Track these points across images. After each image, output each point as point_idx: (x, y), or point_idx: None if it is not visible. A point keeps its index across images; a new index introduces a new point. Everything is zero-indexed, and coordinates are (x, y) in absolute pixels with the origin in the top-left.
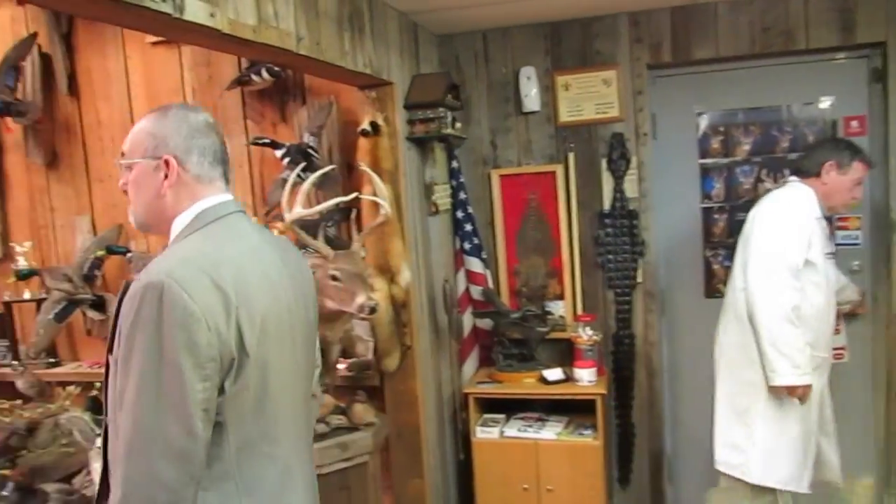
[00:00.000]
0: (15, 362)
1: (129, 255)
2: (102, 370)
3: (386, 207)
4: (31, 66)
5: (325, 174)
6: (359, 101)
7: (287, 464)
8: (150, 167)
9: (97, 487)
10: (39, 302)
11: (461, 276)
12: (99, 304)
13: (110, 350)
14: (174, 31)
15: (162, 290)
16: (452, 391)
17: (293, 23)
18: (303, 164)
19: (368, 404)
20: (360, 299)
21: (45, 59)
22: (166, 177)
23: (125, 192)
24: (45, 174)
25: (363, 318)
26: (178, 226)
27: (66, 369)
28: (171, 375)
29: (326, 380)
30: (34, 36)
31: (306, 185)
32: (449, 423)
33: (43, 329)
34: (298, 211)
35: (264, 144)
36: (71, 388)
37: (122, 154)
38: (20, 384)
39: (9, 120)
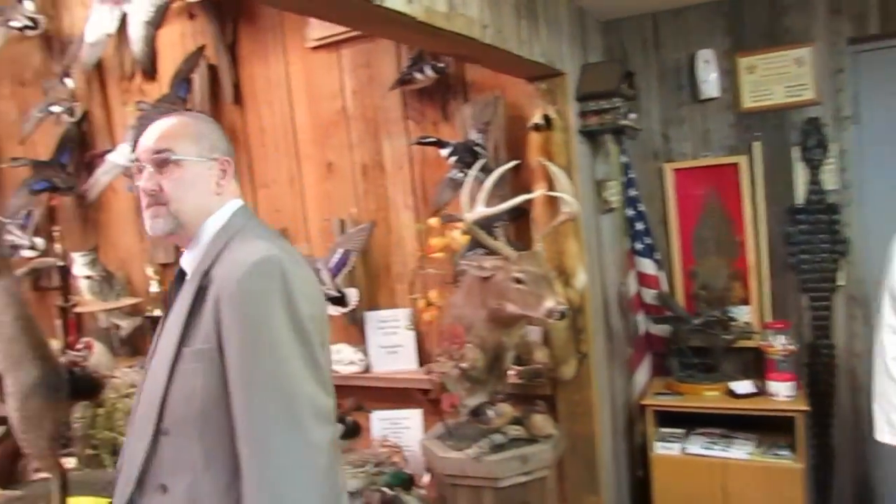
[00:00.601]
0: None
1: None
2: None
3: (572, 204)
4: (199, 77)
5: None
6: (526, 95)
7: None
8: (205, 166)
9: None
10: None
11: (632, 278)
12: None
13: (184, 343)
14: (371, 19)
15: (282, 262)
16: (625, 402)
17: (477, 10)
18: (482, 162)
19: (548, 415)
20: (549, 303)
21: (212, 70)
22: (221, 176)
23: (153, 192)
24: None
25: (550, 324)
26: (212, 226)
27: None
28: (305, 342)
29: (499, 387)
30: (202, 49)
31: (489, 182)
32: (622, 436)
33: None
34: (481, 210)
35: (430, 143)
36: None
37: (160, 151)
38: None
39: None
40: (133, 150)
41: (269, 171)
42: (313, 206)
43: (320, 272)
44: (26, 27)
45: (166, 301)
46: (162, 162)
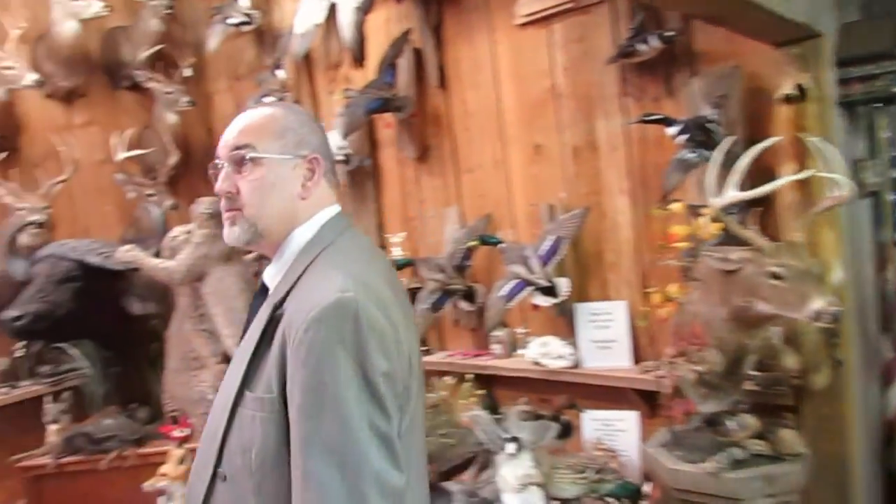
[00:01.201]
0: None
1: (501, 245)
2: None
3: (845, 186)
4: (405, 62)
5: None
6: (770, 63)
7: None
8: (288, 165)
9: None
10: (411, 291)
11: (892, 273)
12: (469, 295)
13: (246, 385)
14: None
15: (357, 308)
16: (879, 418)
17: None
18: (730, 140)
19: (798, 431)
20: (817, 304)
21: (416, 54)
22: (307, 177)
23: (230, 194)
24: (415, 167)
25: (819, 327)
26: (299, 238)
27: (436, 358)
28: (377, 405)
29: (737, 395)
30: (408, 32)
31: (743, 162)
32: (877, 458)
33: (421, 318)
34: (732, 194)
35: (655, 121)
36: (447, 379)
37: (238, 147)
38: None
39: (387, 116)
40: (343, 139)
41: (473, 156)
42: (519, 190)
43: (529, 260)
44: (242, 23)
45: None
46: (240, 160)
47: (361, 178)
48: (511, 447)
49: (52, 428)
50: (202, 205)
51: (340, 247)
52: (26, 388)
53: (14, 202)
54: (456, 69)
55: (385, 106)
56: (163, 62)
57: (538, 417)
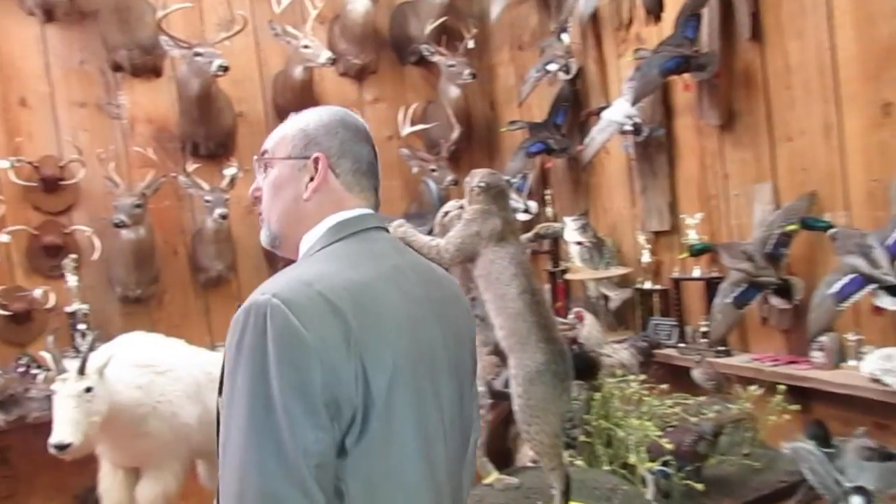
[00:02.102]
0: (682, 344)
1: (831, 231)
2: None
3: None
4: (710, 11)
5: None
6: None
7: None
8: (294, 167)
9: None
10: (707, 281)
11: None
12: (784, 290)
13: (220, 392)
14: None
15: (267, 313)
16: None
17: None
18: None
19: None
20: None
21: (724, 2)
22: (312, 179)
23: (256, 199)
24: (717, 136)
25: None
26: (308, 240)
27: (737, 361)
28: (281, 422)
29: None
30: None
31: None
32: None
33: (721, 314)
34: None
35: None
36: (752, 388)
37: (263, 152)
38: (697, 375)
39: (687, 77)
40: (632, 105)
41: (793, 121)
42: (858, 162)
43: (872, 251)
44: None
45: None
46: (262, 163)
47: (652, 150)
48: (857, 501)
49: None
50: (475, 177)
51: (330, 250)
52: None
53: None
54: (775, 16)
55: (684, 65)
56: (447, 35)
57: (888, 458)
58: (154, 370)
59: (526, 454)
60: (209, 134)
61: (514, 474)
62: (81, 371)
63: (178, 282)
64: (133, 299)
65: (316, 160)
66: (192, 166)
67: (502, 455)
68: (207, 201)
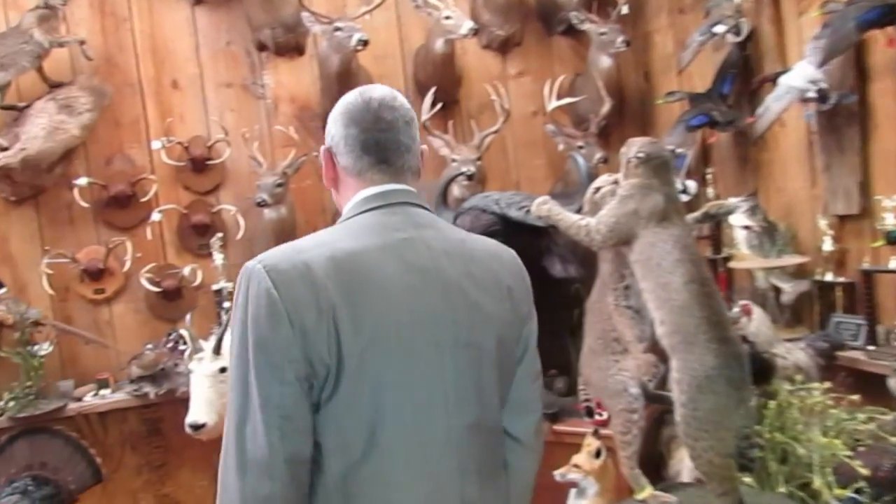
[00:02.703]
0: (872, 347)
1: None
2: None
3: None
4: None
5: None
6: None
7: None
8: (323, 158)
9: None
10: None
11: None
12: None
13: None
14: None
15: (250, 276)
16: None
17: None
18: None
19: None
20: None
21: None
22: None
23: None
24: None
25: None
26: (342, 216)
27: None
28: (251, 372)
29: None
30: None
31: None
32: None
33: None
34: None
35: None
36: None
37: None
38: (895, 384)
39: (891, 31)
40: (818, 68)
41: None
42: None
43: None
44: None
45: None
46: None
47: (841, 120)
48: None
49: None
50: (633, 147)
51: (344, 224)
52: None
53: (449, 154)
54: None
55: (889, 15)
56: (598, 2)
57: None
58: None
59: (681, 460)
60: None
61: (672, 491)
62: (217, 351)
63: None
64: None
65: (325, 151)
66: None
67: (653, 461)
68: None
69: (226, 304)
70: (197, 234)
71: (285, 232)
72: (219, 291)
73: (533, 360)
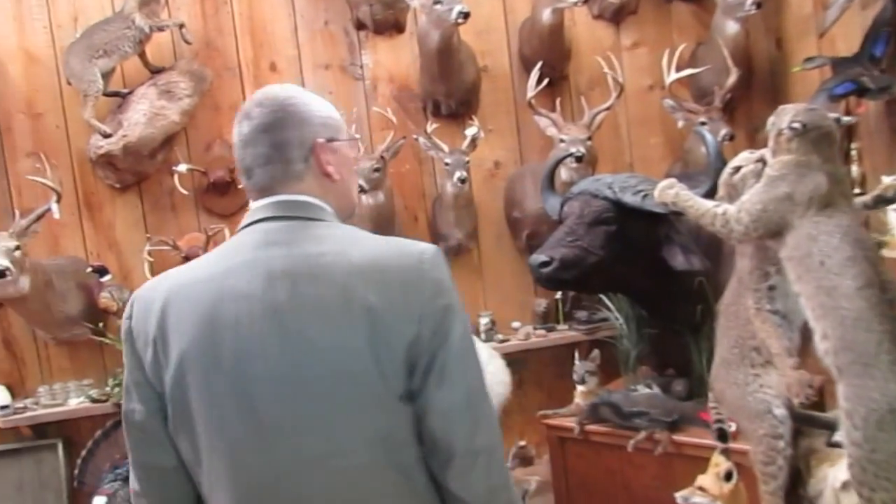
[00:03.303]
0: None
1: None
2: None
3: None
4: None
5: None
6: None
7: None
8: None
9: None
10: None
11: None
12: None
13: None
14: None
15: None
16: None
17: None
18: None
19: None
20: None
21: None
22: None
23: None
24: None
25: None
26: None
27: None
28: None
29: None
30: None
31: None
32: None
33: None
34: None
35: None
36: None
37: None
38: None
39: None
40: None
41: None
42: None
43: None
44: None
45: None
46: None
47: None
48: None
49: (580, 389)
50: (785, 115)
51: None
52: (562, 333)
53: (556, 134)
54: None
55: None
56: None
57: None
58: None
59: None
60: (450, 91)
61: None
62: None
63: None
64: None
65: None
66: (431, 126)
67: (790, 478)
68: (447, 164)
69: None
70: None
71: (383, 219)
72: None
73: (457, 383)
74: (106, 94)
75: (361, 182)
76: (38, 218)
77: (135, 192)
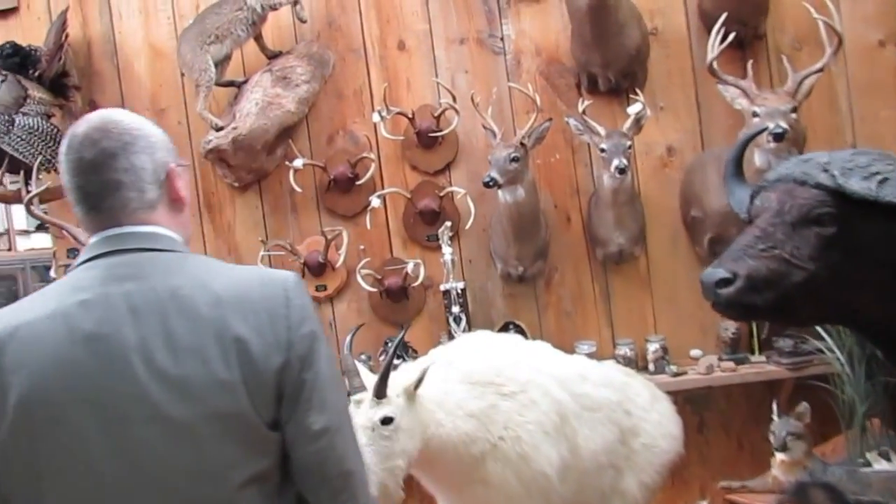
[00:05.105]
0: None
1: None
2: None
3: None
4: None
5: None
6: None
7: None
8: None
9: None
10: None
11: None
12: None
13: None
14: None
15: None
16: None
17: None
18: None
19: None
20: None
21: None
22: None
23: None
24: None
25: None
26: None
27: None
28: None
29: None
30: None
31: None
32: None
33: None
34: None
35: None
36: None
37: None
38: None
39: None
40: None
41: None
42: None
43: None
44: None
45: None
46: None
47: None
48: None
49: (780, 457)
50: None
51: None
52: (758, 366)
53: (747, 105)
54: None
55: None
56: None
57: None
58: (497, 390)
59: None
60: (607, 60)
61: None
62: (380, 394)
63: (571, 257)
64: (515, 278)
65: None
66: (584, 104)
67: None
68: (603, 150)
69: (454, 309)
70: (425, 222)
71: (524, 219)
72: (447, 293)
73: (327, 408)
74: (219, 84)
75: (495, 175)
76: None
77: (254, 191)
